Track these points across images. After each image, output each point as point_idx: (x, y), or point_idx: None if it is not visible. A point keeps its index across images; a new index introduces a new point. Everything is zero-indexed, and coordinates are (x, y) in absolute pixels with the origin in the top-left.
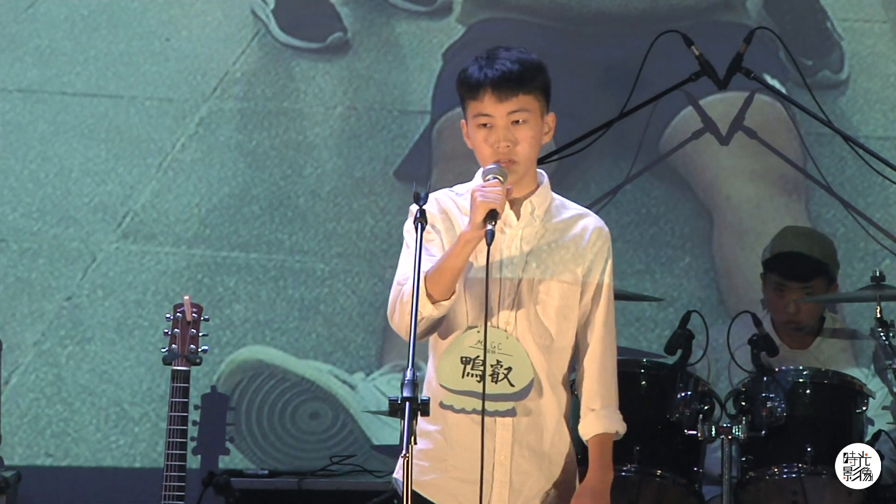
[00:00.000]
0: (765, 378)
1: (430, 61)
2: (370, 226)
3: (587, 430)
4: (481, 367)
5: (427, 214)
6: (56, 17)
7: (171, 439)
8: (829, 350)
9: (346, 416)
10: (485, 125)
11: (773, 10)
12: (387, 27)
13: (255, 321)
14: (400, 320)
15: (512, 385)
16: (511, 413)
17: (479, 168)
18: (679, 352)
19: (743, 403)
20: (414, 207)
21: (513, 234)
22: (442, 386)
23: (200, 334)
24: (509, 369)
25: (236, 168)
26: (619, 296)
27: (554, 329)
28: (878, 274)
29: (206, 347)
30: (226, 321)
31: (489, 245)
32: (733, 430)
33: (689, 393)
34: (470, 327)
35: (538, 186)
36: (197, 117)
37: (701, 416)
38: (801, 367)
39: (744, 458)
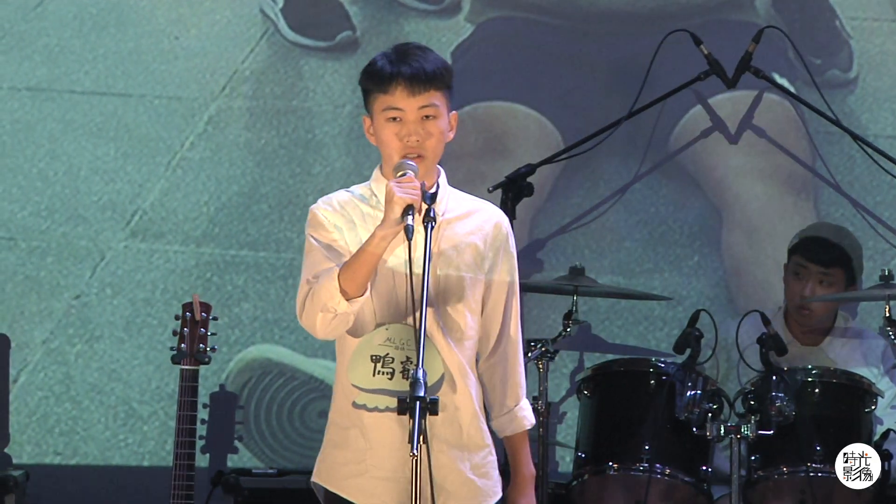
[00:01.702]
0: (773, 377)
1: None
2: None
3: (505, 428)
4: (392, 365)
5: (329, 215)
6: (65, 16)
7: (179, 438)
8: (839, 349)
9: None
10: (394, 119)
11: (782, 8)
12: (395, 26)
13: (263, 320)
14: (310, 318)
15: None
16: None
17: (487, 167)
18: (688, 351)
19: (752, 402)
20: (315, 208)
21: (417, 230)
22: (354, 386)
23: (209, 333)
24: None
25: (245, 166)
26: (628, 295)
27: (463, 323)
28: (886, 273)
29: (214, 346)
30: (234, 320)
31: (410, 240)
32: (742, 429)
33: (697, 392)
34: (378, 325)
35: (437, 181)
36: (206, 116)
37: (710, 415)
38: (809, 367)
39: (752, 458)
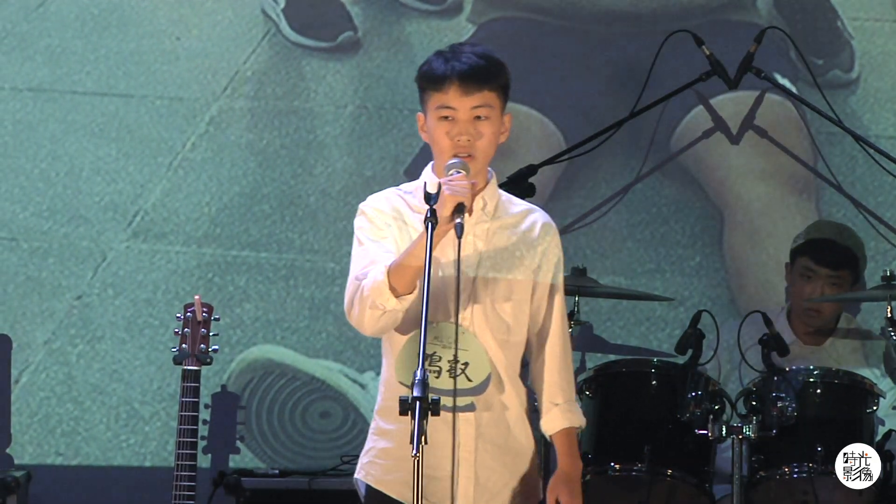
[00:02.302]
0: (775, 378)
1: None
2: None
3: (553, 425)
4: (439, 363)
5: (379, 212)
6: (66, 16)
7: (181, 439)
8: (841, 349)
9: (356, 416)
10: (447, 118)
11: (784, 9)
12: (397, 26)
13: (265, 320)
14: (359, 315)
15: (469, 380)
16: (470, 408)
17: (492, 166)
18: (690, 351)
19: (753, 403)
20: (368, 207)
21: (467, 231)
22: (401, 383)
23: (211, 334)
24: (466, 364)
25: (247, 167)
26: (630, 295)
27: (511, 323)
28: (888, 273)
29: (216, 347)
30: (236, 320)
31: (460, 238)
32: (744, 430)
33: (699, 392)
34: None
35: (488, 183)
36: (207, 116)
37: (711, 415)
38: (811, 367)
39: (754, 458)
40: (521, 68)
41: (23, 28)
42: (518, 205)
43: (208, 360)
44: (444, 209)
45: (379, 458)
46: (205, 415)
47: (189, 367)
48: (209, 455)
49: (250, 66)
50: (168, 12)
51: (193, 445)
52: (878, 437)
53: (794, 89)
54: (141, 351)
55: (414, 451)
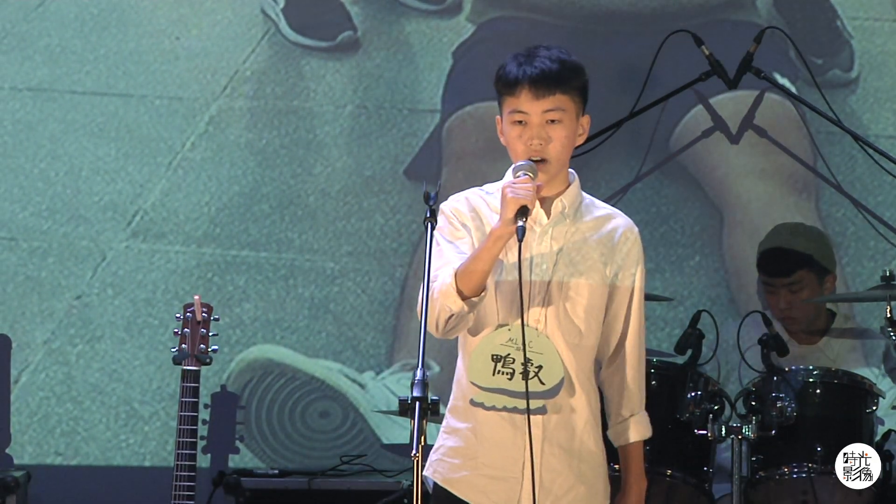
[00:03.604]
0: (775, 378)
1: (439, 60)
2: (380, 224)
3: (623, 436)
4: (512, 365)
5: (458, 213)
6: (66, 16)
7: (181, 438)
8: (838, 349)
9: (355, 416)
10: (520, 122)
11: (784, 8)
12: (397, 26)
13: (265, 320)
14: (430, 317)
15: (542, 383)
16: (541, 411)
17: (488, 167)
18: (689, 351)
19: (753, 403)
20: (447, 207)
21: (543, 233)
22: (472, 383)
23: (210, 334)
24: (540, 367)
25: (246, 167)
26: None
27: (583, 327)
28: (888, 273)
29: (216, 347)
30: (236, 320)
31: (520, 241)
32: (743, 430)
33: (699, 392)
34: (500, 325)
35: (569, 185)
36: (207, 116)
37: (711, 415)
38: (811, 367)
39: (754, 458)
40: None
41: (22, 28)
42: (601, 208)
43: (208, 359)
44: (507, 212)
45: (447, 456)
46: (204, 415)
47: (188, 367)
48: (209, 455)
49: (250, 66)
50: (167, 12)
51: (193, 445)
52: (878, 437)
53: (793, 89)
54: (140, 351)
55: (413, 452)
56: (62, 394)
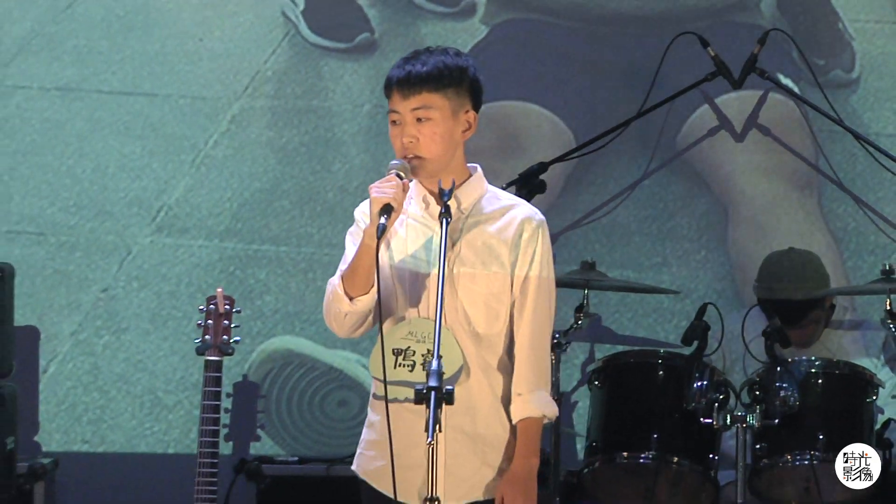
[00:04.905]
0: (778, 368)
1: None
2: None
3: (514, 414)
4: (413, 357)
5: (363, 215)
6: (93, 18)
7: (204, 427)
8: (839, 340)
9: None
10: (394, 122)
11: (787, 11)
12: (413, 28)
13: (285, 312)
14: (327, 319)
15: (443, 372)
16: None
17: (501, 164)
18: (695, 343)
19: (757, 393)
20: (357, 212)
21: (439, 227)
22: (375, 378)
23: (232, 325)
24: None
25: (267, 164)
26: (638, 288)
27: (482, 317)
28: (887, 267)
29: (237, 338)
30: (257, 312)
31: (379, 239)
32: (748, 419)
33: (704, 382)
34: (399, 319)
35: (467, 179)
36: (229, 115)
37: (716, 404)
38: (813, 358)
39: (758, 446)
40: (533, 68)
41: (51, 29)
42: (503, 200)
43: (230, 350)
44: (371, 210)
45: (365, 449)
46: (226, 403)
47: (211, 358)
48: (231, 442)
49: (270, 67)
50: (192, 14)
51: (215, 433)
52: (878, 426)
53: (796, 89)
54: (165, 342)
55: (429, 439)
56: (89, 383)
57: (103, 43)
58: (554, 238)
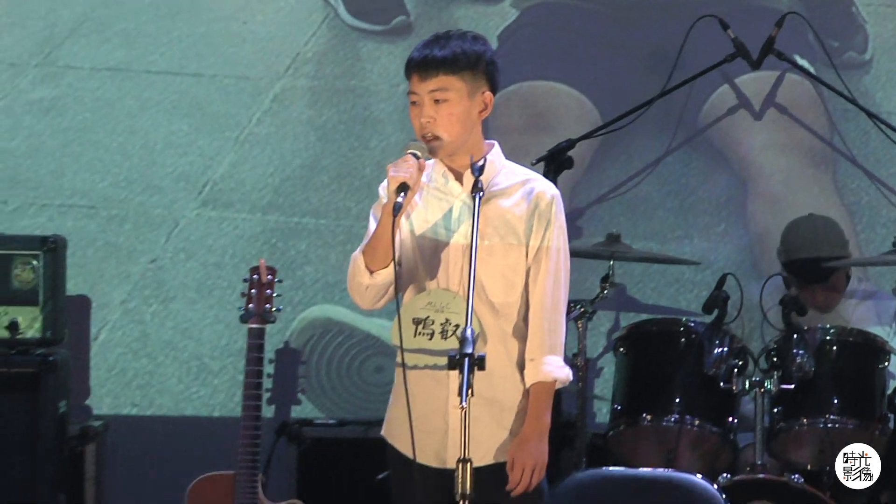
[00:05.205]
0: (794, 336)
1: None
2: None
3: (526, 378)
4: (432, 326)
5: (385, 191)
6: (141, 2)
7: (247, 391)
8: (853, 308)
9: None
10: (414, 102)
11: None
12: (446, 11)
13: (324, 282)
14: (350, 292)
15: (475, 339)
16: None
17: (531, 140)
18: (716, 311)
19: (774, 359)
20: (381, 188)
21: (458, 201)
22: (397, 347)
23: (274, 294)
24: (457, 326)
25: (307, 141)
26: (661, 259)
27: (498, 288)
28: None
29: (279, 307)
30: (297, 282)
31: (395, 216)
32: (765, 384)
33: (724, 349)
34: (420, 290)
35: (484, 156)
36: (271, 94)
37: (735, 370)
38: (827, 326)
39: (775, 410)
40: (561, 50)
41: (101, 13)
42: (518, 175)
43: (272, 318)
44: (389, 188)
45: (392, 414)
46: (269, 369)
47: (254, 326)
48: (273, 406)
49: (311, 48)
50: None
51: (258, 397)
52: (889, 391)
53: (812, 70)
54: (210, 310)
55: (462, 402)
56: (138, 350)
57: (151, 26)
58: (581, 212)
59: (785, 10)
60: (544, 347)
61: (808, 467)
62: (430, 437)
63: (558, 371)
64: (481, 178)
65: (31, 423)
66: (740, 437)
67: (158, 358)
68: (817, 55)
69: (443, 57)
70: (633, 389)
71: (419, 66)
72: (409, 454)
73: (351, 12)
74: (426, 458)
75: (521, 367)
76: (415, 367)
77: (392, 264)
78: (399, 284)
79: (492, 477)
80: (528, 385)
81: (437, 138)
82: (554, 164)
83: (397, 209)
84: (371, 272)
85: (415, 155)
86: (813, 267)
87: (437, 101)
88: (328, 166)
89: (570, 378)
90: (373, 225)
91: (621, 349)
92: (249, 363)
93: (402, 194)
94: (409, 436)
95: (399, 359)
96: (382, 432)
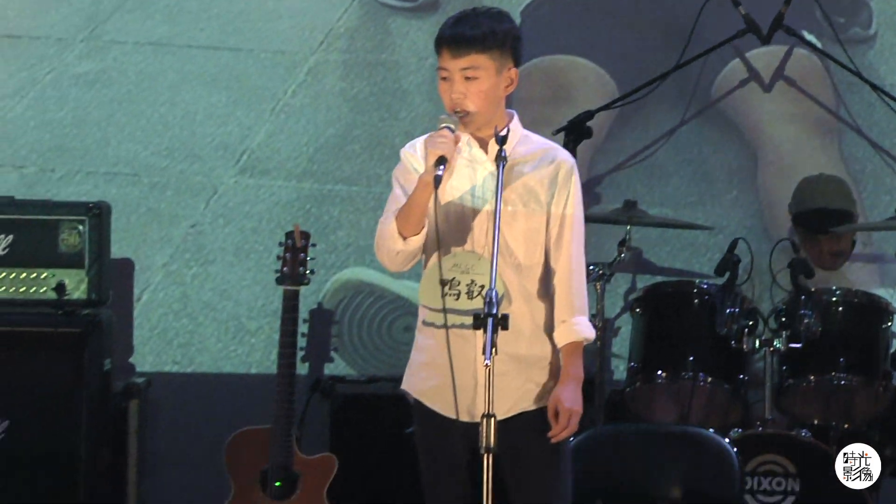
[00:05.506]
0: (802, 297)
1: None
2: None
3: (559, 339)
4: (458, 287)
5: (411, 157)
6: None
7: (283, 349)
8: (857, 271)
9: None
10: (444, 78)
11: None
12: None
13: (356, 246)
14: (379, 255)
15: (500, 300)
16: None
17: (553, 111)
18: (727, 274)
19: (783, 319)
20: (402, 152)
21: (483, 168)
22: (424, 306)
23: (308, 258)
24: (482, 287)
25: (340, 112)
26: (675, 224)
27: (522, 250)
28: None
29: (313, 270)
30: (330, 246)
31: (436, 188)
32: (774, 343)
33: (736, 310)
34: (446, 252)
35: (507, 126)
36: (306, 68)
37: (746, 330)
38: (833, 288)
39: (784, 368)
40: (581, 26)
41: None
42: (536, 143)
43: (306, 281)
44: (427, 161)
45: (418, 370)
46: (303, 329)
47: (289, 288)
48: (307, 364)
49: (343, 24)
50: None
51: (293, 355)
52: (893, 349)
53: (819, 44)
54: (248, 273)
55: (486, 361)
56: (179, 310)
57: (192, 2)
58: (599, 179)
59: None
60: (574, 309)
61: (815, 422)
62: (461, 394)
63: (588, 331)
64: (504, 147)
65: (78, 380)
66: (750, 394)
67: (198, 318)
68: (824, 31)
69: (473, 36)
70: (649, 348)
71: (451, 44)
72: (440, 409)
73: None
74: (456, 412)
75: (544, 324)
76: (442, 326)
77: (423, 231)
78: (430, 249)
79: (520, 425)
80: (560, 345)
81: (467, 113)
82: (574, 134)
83: (437, 181)
84: (404, 238)
85: (450, 128)
86: (822, 219)
87: (467, 79)
88: (359, 136)
89: (595, 335)
90: (398, 189)
91: (637, 310)
92: (284, 323)
93: (441, 167)
94: (438, 391)
95: (425, 318)
96: (404, 387)
